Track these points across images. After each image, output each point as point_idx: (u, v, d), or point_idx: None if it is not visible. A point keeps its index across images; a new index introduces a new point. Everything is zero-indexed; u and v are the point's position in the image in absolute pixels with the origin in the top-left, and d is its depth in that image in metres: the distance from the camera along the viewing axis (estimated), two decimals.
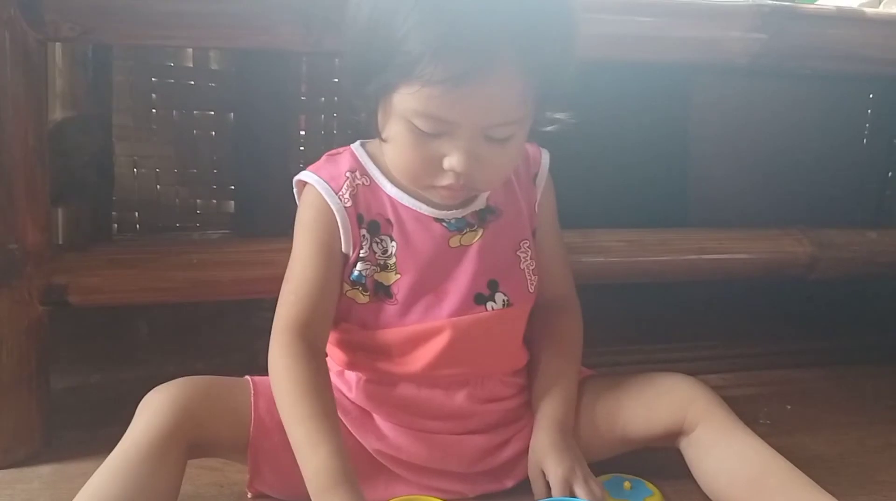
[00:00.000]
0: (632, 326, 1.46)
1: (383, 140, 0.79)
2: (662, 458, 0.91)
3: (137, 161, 1.69)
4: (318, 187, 0.83)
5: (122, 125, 1.64)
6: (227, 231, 1.76)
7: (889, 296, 1.45)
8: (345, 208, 0.83)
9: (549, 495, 0.81)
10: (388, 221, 0.84)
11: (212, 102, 1.71)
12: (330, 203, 0.83)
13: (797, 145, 1.62)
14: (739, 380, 1.27)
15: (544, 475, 0.82)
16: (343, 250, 0.84)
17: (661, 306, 1.47)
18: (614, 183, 1.52)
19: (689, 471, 0.88)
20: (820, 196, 1.58)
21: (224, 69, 1.71)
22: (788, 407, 1.18)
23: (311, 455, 0.73)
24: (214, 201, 1.77)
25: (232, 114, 1.72)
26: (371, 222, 0.84)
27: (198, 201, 1.76)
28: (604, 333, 1.37)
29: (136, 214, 1.71)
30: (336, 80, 1.77)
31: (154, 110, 1.68)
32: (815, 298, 1.43)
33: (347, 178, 0.84)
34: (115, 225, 1.67)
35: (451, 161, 0.75)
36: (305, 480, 0.73)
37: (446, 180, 0.77)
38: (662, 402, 0.88)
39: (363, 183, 0.85)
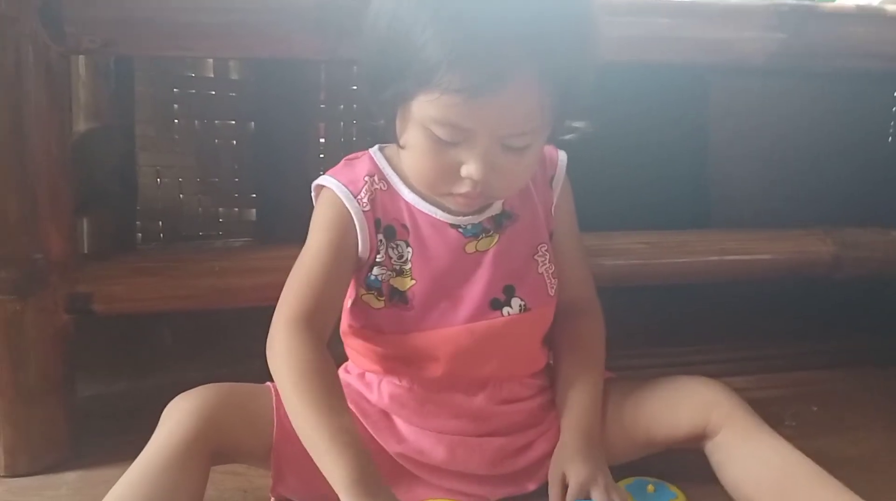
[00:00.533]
0: (654, 329, 1.45)
1: (401, 147, 0.79)
2: (687, 460, 0.90)
3: (160, 171, 1.71)
4: (337, 192, 0.84)
5: (144, 136, 1.66)
6: (249, 239, 1.78)
7: None
8: (363, 212, 0.83)
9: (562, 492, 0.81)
10: (405, 226, 0.85)
11: (232, 111, 1.73)
12: (349, 208, 0.83)
13: (820, 145, 1.59)
14: (764, 382, 1.26)
15: (564, 481, 0.82)
16: (360, 253, 0.84)
17: (683, 308, 1.46)
18: (634, 186, 1.51)
19: (712, 474, 0.87)
20: (844, 196, 1.55)
21: (244, 79, 1.73)
22: (814, 409, 1.17)
23: (330, 456, 0.71)
24: (236, 209, 1.78)
25: (252, 123, 1.73)
26: (387, 227, 0.85)
27: (220, 209, 1.77)
28: (625, 336, 1.36)
29: (160, 223, 1.73)
30: (355, 87, 1.78)
31: (176, 120, 1.70)
32: (839, 298, 1.41)
33: (366, 182, 0.84)
34: (140, 234, 1.69)
35: (469, 169, 0.75)
36: (328, 478, 0.71)
37: (463, 188, 0.77)
38: (685, 405, 0.87)
39: (381, 187, 0.85)
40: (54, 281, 0.91)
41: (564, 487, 0.82)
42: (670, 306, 1.48)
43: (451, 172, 0.76)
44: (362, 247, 0.84)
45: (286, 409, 0.77)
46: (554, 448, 0.87)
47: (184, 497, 0.74)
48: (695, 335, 1.43)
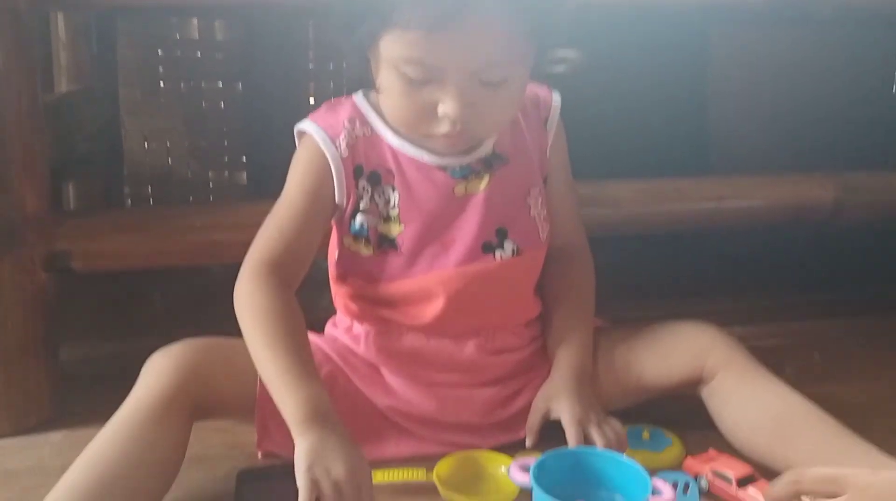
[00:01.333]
0: (650, 280, 1.43)
1: (378, 91, 0.77)
2: (682, 407, 0.88)
3: (147, 135, 1.68)
4: (315, 136, 0.81)
5: (129, 99, 1.62)
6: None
7: None
8: (341, 157, 0.81)
9: (540, 429, 0.80)
10: (390, 171, 0.82)
11: (219, 73, 1.69)
12: (326, 153, 0.81)
13: (824, 92, 1.56)
14: (764, 332, 1.24)
15: (547, 415, 0.81)
16: (336, 200, 0.82)
17: (680, 258, 1.44)
18: (634, 134, 1.47)
19: (709, 420, 0.85)
20: (848, 144, 1.53)
21: (230, 39, 1.69)
22: (816, 357, 1.15)
23: (285, 390, 0.71)
24: (226, 173, 1.75)
25: (240, 84, 1.70)
26: (372, 174, 0.82)
27: (210, 173, 1.74)
28: (621, 288, 1.33)
29: (149, 188, 1.70)
30: None
31: (161, 83, 1.66)
32: (840, 247, 1.38)
33: (346, 127, 0.82)
34: (129, 200, 1.66)
35: (445, 108, 0.72)
36: (283, 414, 0.70)
37: (443, 128, 0.75)
38: (680, 349, 0.86)
39: (364, 133, 0.82)
40: (31, 239, 0.89)
41: (545, 421, 0.81)
42: (667, 256, 1.45)
43: (427, 112, 0.74)
44: (339, 194, 0.82)
45: (250, 351, 0.76)
46: None
47: (163, 451, 0.73)
48: (693, 285, 1.40)
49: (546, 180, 0.89)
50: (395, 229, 0.82)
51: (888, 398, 1.02)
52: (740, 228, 1.16)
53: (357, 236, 0.83)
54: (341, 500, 0.65)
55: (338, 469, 0.66)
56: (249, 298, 0.76)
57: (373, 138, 0.83)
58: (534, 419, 0.81)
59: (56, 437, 0.90)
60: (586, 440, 0.77)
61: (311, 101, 1.70)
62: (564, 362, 0.84)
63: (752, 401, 0.82)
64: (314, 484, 0.65)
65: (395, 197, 0.82)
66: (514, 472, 0.74)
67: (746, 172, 1.21)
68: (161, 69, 1.66)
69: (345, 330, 0.89)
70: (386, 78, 0.74)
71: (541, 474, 0.72)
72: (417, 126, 0.77)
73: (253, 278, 0.78)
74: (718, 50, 1.53)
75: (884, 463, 0.74)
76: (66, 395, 0.97)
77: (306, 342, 0.77)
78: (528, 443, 0.81)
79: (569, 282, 0.91)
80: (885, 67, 1.64)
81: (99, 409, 0.87)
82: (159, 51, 1.65)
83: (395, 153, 0.82)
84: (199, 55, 1.68)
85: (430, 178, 0.82)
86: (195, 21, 1.66)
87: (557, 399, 0.81)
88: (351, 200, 0.82)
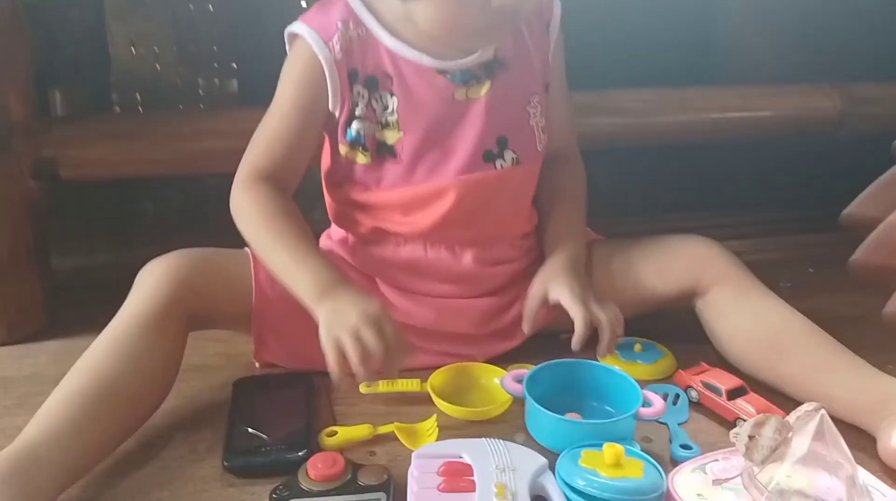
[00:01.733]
0: (651, 193, 1.41)
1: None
2: (675, 321, 0.89)
3: (134, 40, 1.61)
4: (308, 38, 0.78)
5: (115, 4, 1.56)
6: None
7: None
8: (335, 60, 0.77)
9: (537, 313, 0.81)
10: (388, 75, 0.79)
11: None
12: (320, 56, 0.77)
13: (832, 1, 1.50)
14: (760, 246, 1.24)
15: (544, 297, 0.81)
16: (329, 107, 0.79)
17: (680, 173, 1.41)
18: (635, 40, 1.42)
19: (702, 334, 0.86)
20: (855, 54, 1.48)
21: None
22: (811, 270, 1.15)
23: (297, 272, 0.73)
24: (217, 80, 1.69)
25: None
26: (368, 78, 0.79)
27: (200, 80, 1.69)
28: (621, 201, 1.32)
29: (137, 95, 1.64)
30: None
31: None
32: (839, 163, 1.36)
33: (339, 28, 0.78)
34: (117, 107, 1.61)
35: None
36: (298, 296, 0.73)
37: (492, 20, 0.73)
38: (679, 261, 0.85)
39: (358, 34, 0.78)
40: (17, 145, 0.87)
41: (542, 304, 0.81)
42: (668, 169, 1.43)
43: (478, 7, 0.71)
44: (332, 100, 0.79)
45: (254, 251, 0.78)
46: None
47: (158, 360, 0.73)
48: (692, 198, 1.39)
49: (548, 88, 0.86)
50: (394, 136, 0.80)
51: (877, 313, 1.02)
52: (744, 139, 1.14)
53: (353, 143, 0.80)
54: (366, 347, 0.67)
55: (351, 320, 0.68)
56: (247, 205, 0.78)
57: (368, 40, 0.79)
58: (531, 304, 0.82)
59: (52, 346, 0.91)
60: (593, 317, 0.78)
61: (304, 3, 1.64)
62: (559, 251, 0.84)
63: (747, 314, 0.82)
64: (336, 343, 0.68)
65: (393, 103, 0.79)
66: (507, 382, 0.75)
67: (752, 83, 1.18)
68: None
69: (339, 242, 0.88)
70: None
71: (533, 385, 0.73)
72: (467, 22, 0.73)
73: (246, 189, 0.79)
74: None
75: (874, 376, 0.75)
76: (60, 305, 0.97)
77: (308, 230, 0.78)
78: (525, 329, 0.82)
79: (562, 184, 0.90)
80: None
81: (93, 319, 0.87)
82: None
83: (392, 56, 0.79)
84: None
85: (431, 82, 0.79)
86: None
87: (555, 281, 0.80)
88: (346, 107, 0.79)
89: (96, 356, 0.71)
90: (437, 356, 0.84)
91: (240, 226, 0.78)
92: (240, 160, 0.93)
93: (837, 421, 0.69)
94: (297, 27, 0.79)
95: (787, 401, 0.77)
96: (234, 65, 1.69)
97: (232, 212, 0.79)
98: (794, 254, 1.22)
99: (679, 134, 1.08)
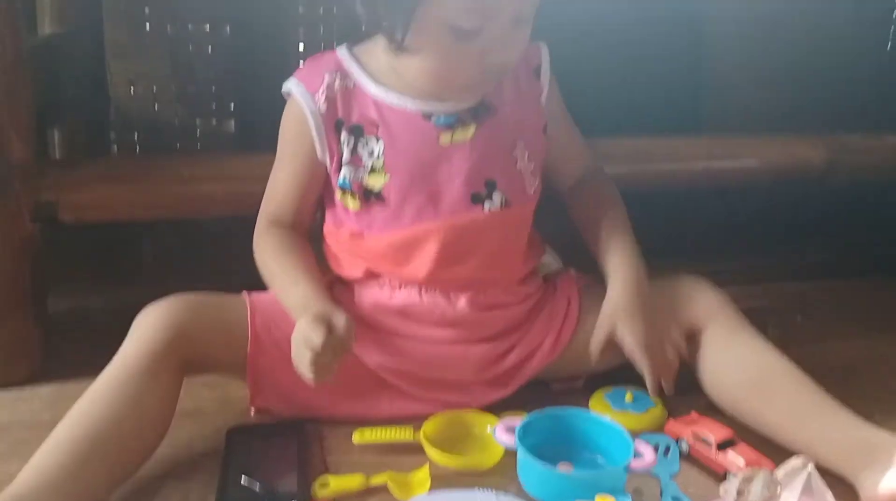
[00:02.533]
0: (640, 239, 1.43)
1: (411, 53, 0.75)
2: None
3: (133, 80, 1.64)
4: (296, 93, 0.82)
5: (115, 42, 1.57)
6: (228, 151, 1.72)
7: None
8: (320, 113, 0.81)
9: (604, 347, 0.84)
10: (373, 122, 0.82)
11: (206, 15, 1.63)
12: (305, 108, 0.81)
13: (819, 51, 1.54)
14: (749, 293, 1.24)
15: (612, 336, 0.84)
16: (318, 157, 0.83)
17: (669, 218, 1.43)
18: (624, 90, 1.45)
19: (693, 383, 0.87)
20: (842, 104, 1.51)
21: None
22: (798, 318, 1.16)
23: (290, 294, 0.80)
24: (214, 120, 1.71)
25: (228, 27, 1.65)
26: (354, 126, 0.82)
27: (197, 120, 1.71)
28: None
29: (135, 135, 1.66)
30: None
31: (147, 25, 1.62)
32: (826, 210, 1.39)
33: (325, 81, 0.82)
34: (115, 146, 1.63)
35: (495, 56, 0.74)
36: (291, 313, 0.79)
37: (483, 76, 0.77)
38: (673, 302, 0.87)
39: (345, 85, 0.82)
40: (17, 188, 0.88)
41: (609, 340, 0.84)
42: (657, 216, 1.45)
43: (472, 64, 0.75)
44: (320, 150, 0.83)
45: (268, 286, 0.84)
46: (533, 350, 0.87)
47: (152, 407, 0.73)
48: (681, 245, 1.40)
49: (545, 130, 0.89)
50: (381, 181, 0.82)
51: (866, 361, 1.03)
52: (731, 188, 1.16)
53: (343, 189, 0.83)
54: (319, 350, 0.72)
55: (301, 326, 0.74)
56: (261, 249, 0.86)
57: (355, 90, 0.82)
58: (598, 338, 0.84)
59: (46, 390, 0.91)
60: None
61: (301, 47, 1.67)
62: (621, 273, 0.86)
63: (736, 357, 0.84)
64: (297, 350, 0.73)
65: (379, 147, 0.81)
66: (499, 433, 0.76)
67: (739, 132, 1.20)
68: (147, 10, 1.61)
69: (336, 284, 0.89)
70: (429, 39, 0.74)
71: (525, 434, 0.74)
72: (459, 79, 0.77)
73: (260, 236, 0.87)
74: (713, 9, 1.50)
75: (858, 426, 0.76)
76: (55, 347, 0.97)
77: (311, 261, 0.84)
78: (592, 359, 0.85)
79: (601, 198, 0.93)
80: (879, 26, 1.62)
81: (89, 361, 0.87)
82: None
83: (377, 104, 0.82)
84: None
85: (415, 126, 0.81)
86: None
87: (621, 319, 0.83)
88: (334, 155, 0.82)
89: (91, 402, 0.71)
90: (430, 404, 0.84)
91: (259, 268, 0.86)
92: (237, 203, 0.96)
93: (821, 469, 0.71)
94: (288, 84, 0.84)
95: (775, 452, 0.77)
96: (232, 105, 1.72)
97: (255, 259, 0.87)
98: (782, 302, 1.23)
99: (668, 182, 1.10)
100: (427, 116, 0.81)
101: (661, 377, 0.84)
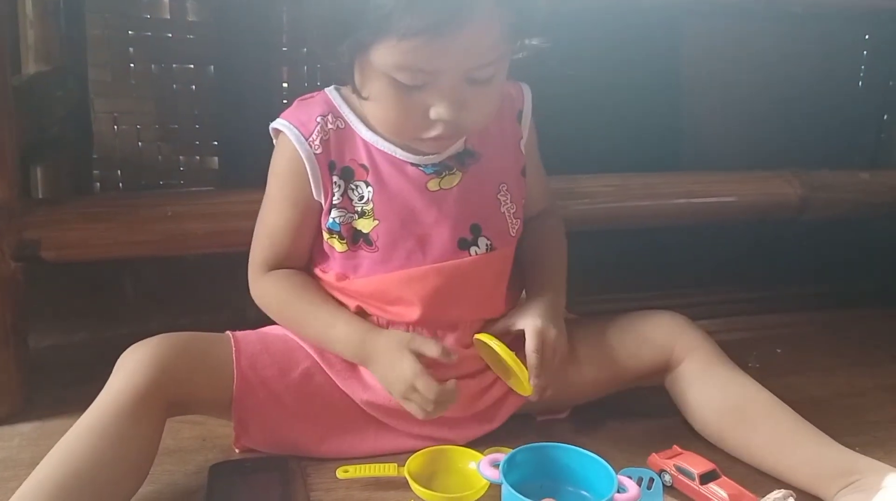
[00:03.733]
0: (620, 273, 1.44)
1: (364, 98, 0.76)
2: (648, 403, 0.91)
3: (117, 118, 1.64)
4: (289, 135, 0.81)
5: (99, 80, 1.59)
6: (211, 188, 1.73)
7: (877, 240, 1.43)
8: (315, 154, 0.81)
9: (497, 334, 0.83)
10: (363, 166, 0.82)
11: (191, 55, 1.66)
12: (301, 152, 0.81)
13: (793, 89, 1.58)
14: (728, 325, 1.27)
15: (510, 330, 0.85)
16: (315, 197, 0.82)
17: (649, 252, 1.45)
18: (605, 128, 1.48)
19: (676, 416, 0.88)
20: (816, 140, 1.55)
21: (202, 21, 1.66)
22: (778, 351, 1.18)
23: (332, 334, 0.81)
24: (198, 157, 1.72)
25: (212, 67, 1.67)
26: (344, 169, 0.82)
27: (181, 157, 1.71)
28: (592, 280, 1.35)
29: (119, 172, 1.66)
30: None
31: (132, 64, 1.63)
32: (804, 243, 1.41)
33: (318, 123, 0.82)
34: (98, 184, 1.63)
35: (439, 111, 0.73)
36: (342, 355, 0.82)
37: (434, 131, 0.75)
38: (651, 337, 0.88)
39: (337, 127, 0.82)
40: (0, 226, 0.88)
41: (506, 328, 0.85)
42: (636, 250, 1.47)
43: (419, 117, 0.74)
44: (316, 191, 0.82)
45: (285, 326, 0.85)
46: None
47: (135, 449, 0.73)
48: (660, 279, 1.42)
49: (524, 172, 0.90)
50: (369, 225, 0.82)
51: (845, 392, 1.05)
52: (709, 223, 1.18)
53: (331, 231, 0.83)
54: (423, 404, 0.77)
55: (400, 387, 0.77)
56: (265, 296, 0.86)
57: (346, 132, 0.83)
58: (504, 322, 0.86)
59: (26, 428, 0.90)
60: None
61: (285, 85, 1.69)
62: (535, 295, 0.87)
63: (716, 388, 0.85)
64: (406, 403, 0.78)
65: (368, 192, 0.82)
66: (483, 467, 0.76)
67: (716, 169, 1.23)
68: (131, 50, 1.63)
69: None
70: (376, 87, 0.74)
71: (510, 469, 0.74)
72: (408, 131, 0.77)
73: (257, 281, 0.86)
74: (691, 47, 1.54)
75: (840, 451, 0.78)
76: (36, 385, 0.96)
77: (322, 291, 0.85)
78: (478, 336, 0.83)
79: (543, 236, 0.94)
80: (850, 65, 1.67)
81: (70, 399, 0.87)
82: (129, 31, 1.62)
83: (368, 148, 0.82)
84: (170, 36, 1.65)
85: (404, 173, 0.82)
86: (167, 1, 1.63)
87: (523, 315, 0.84)
88: (328, 196, 0.82)
89: (72, 443, 0.70)
90: (415, 440, 0.85)
91: (266, 309, 0.86)
92: (219, 240, 0.96)
93: (799, 491, 0.73)
94: (279, 123, 0.83)
95: (757, 485, 0.78)
96: (215, 142, 1.73)
97: (256, 300, 0.87)
98: (760, 334, 1.25)
99: (647, 218, 1.12)
100: (415, 163, 0.82)
101: (539, 371, 0.82)
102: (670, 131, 1.54)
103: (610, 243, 1.36)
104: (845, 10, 1.39)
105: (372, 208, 0.82)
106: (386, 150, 0.82)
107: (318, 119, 0.82)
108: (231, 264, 0.91)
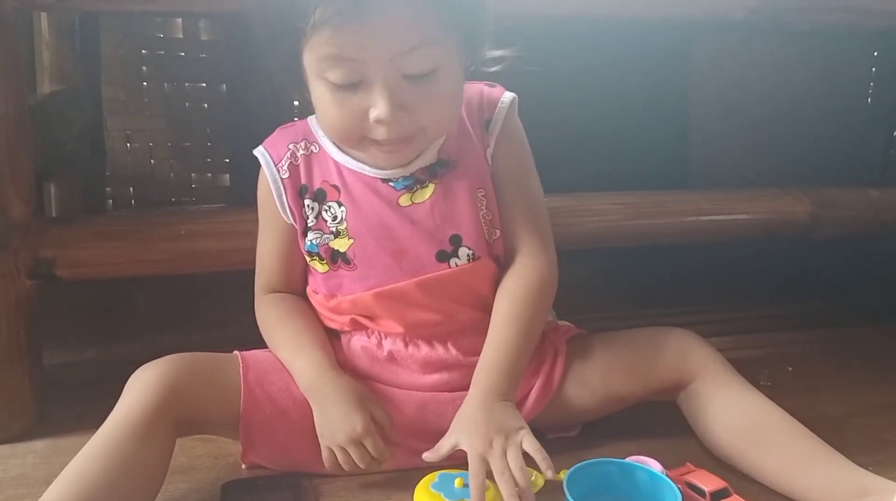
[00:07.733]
0: (631, 291, 1.45)
1: (314, 109, 0.78)
2: (660, 421, 0.90)
3: (130, 135, 1.67)
4: (261, 160, 0.86)
5: (113, 99, 1.61)
6: (223, 205, 1.74)
7: (887, 257, 1.43)
8: (281, 179, 0.84)
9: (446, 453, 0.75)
10: (335, 187, 0.84)
11: (203, 73, 1.68)
12: (269, 177, 0.85)
13: (801, 106, 1.59)
14: (739, 343, 1.26)
15: (455, 447, 0.75)
16: (286, 221, 0.86)
17: (660, 270, 1.46)
18: (613, 147, 1.49)
19: (688, 433, 0.88)
20: (824, 157, 1.56)
21: (214, 40, 1.68)
22: (789, 369, 1.17)
23: (293, 365, 0.83)
24: (209, 174, 1.74)
25: (224, 85, 1.69)
26: (317, 191, 0.84)
27: (193, 174, 1.73)
28: (603, 298, 1.36)
29: (131, 189, 1.69)
30: None
31: (145, 83, 1.65)
32: (815, 260, 1.41)
33: (290, 149, 0.85)
34: (110, 201, 1.65)
35: (376, 111, 0.72)
36: (299, 387, 0.82)
37: (378, 134, 0.74)
38: (660, 354, 0.87)
39: (311, 152, 0.85)
40: (16, 245, 0.89)
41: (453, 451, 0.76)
42: (647, 268, 1.47)
43: (359, 119, 0.74)
44: (284, 215, 0.85)
45: (271, 350, 0.86)
46: (521, 400, 0.86)
47: (146, 468, 0.73)
48: (671, 296, 1.42)
49: (496, 187, 0.86)
50: (345, 244, 0.84)
51: (857, 411, 1.04)
52: (719, 241, 1.18)
53: (310, 253, 0.85)
54: (354, 459, 0.78)
55: (339, 439, 0.78)
56: (261, 318, 0.88)
57: (320, 155, 0.85)
58: (443, 446, 0.76)
59: (39, 445, 0.90)
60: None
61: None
62: (477, 384, 0.79)
63: (729, 407, 0.84)
64: (330, 452, 0.79)
65: (341, 212, 0.84)
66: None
67: (725, 186, 1.23)
68: (144, 69, 1.65)
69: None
70: (314, 91, 0.75)
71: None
72: (352, 136, 0.76)
73: (259, 305, 0.89)
74: (698, 65, 1.55)
75: (855, 472, 0.77)
76: (49, 402, 0.96)
77: (311, 322, 0.87)
78: (428, 457, 0.76)
79: (503, 296, 0.84)
80: (859, 82, 1.67)
81: (83, 416, 0.88)
82: (143, 50, 1.64)
83: (339, 168, 0.84)
84: (183, 55, 1.68)
85: (375, 190, 0.83)
86: (179, 20, 1.66)
87: (463, 431, 0.75)
88: (298, 220, 0.85)
89: (84, 464, 0.71)
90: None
91: (262, 333, 0.88)
92: (231, 258, 0.98)
93: None
94: (257, 151, 0.87)
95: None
96: (227, 160, 1.75)
97: (258, 325, 0.89)
98: (771, 352, 1.25)
99: (656, 236, 1.12)
100: (385, 179, 0.83)
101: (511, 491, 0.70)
102: (679, 149, 1.55)
103: (620, 261, 1.36)
104: (853, 28, 1.39)
105: (346, 228, 0.83)
106: (355, 169, 0.83)
107: (290, 146, 0.85)
108: (241, 282, 0.92)
